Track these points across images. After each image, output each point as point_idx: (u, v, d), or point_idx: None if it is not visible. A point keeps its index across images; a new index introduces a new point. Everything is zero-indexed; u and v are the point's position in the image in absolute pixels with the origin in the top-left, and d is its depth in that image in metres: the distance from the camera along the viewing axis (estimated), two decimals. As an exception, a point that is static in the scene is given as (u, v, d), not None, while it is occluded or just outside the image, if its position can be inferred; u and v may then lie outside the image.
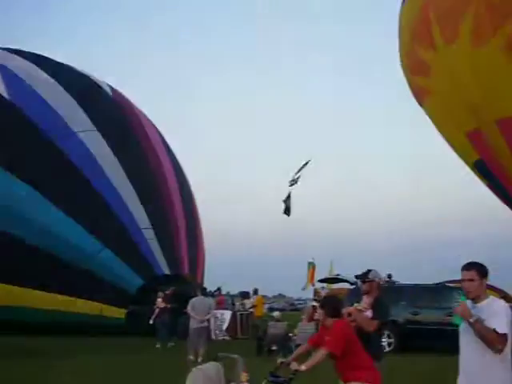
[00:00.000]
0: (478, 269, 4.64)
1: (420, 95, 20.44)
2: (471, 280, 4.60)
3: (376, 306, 6.38)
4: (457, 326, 4.74)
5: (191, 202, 31.88)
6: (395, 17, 20.92)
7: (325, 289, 29.20)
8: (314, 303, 21.17)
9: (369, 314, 6.26)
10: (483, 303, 4.59)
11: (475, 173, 20.23)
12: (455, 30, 17.39)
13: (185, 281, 26.05)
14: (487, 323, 4.40)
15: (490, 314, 4.46)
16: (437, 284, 20.97)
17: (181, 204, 29.62)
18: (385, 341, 15.70)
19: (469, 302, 4.67)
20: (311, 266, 34.91)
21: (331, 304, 5.98)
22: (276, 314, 20.59)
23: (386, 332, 15.61)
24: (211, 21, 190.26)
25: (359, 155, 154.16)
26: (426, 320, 18.03)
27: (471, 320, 4.39)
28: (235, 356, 5.76)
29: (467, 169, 20.42)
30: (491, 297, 4.67)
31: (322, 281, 32.05)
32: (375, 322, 6.19)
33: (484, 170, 19.36)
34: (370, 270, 6.60)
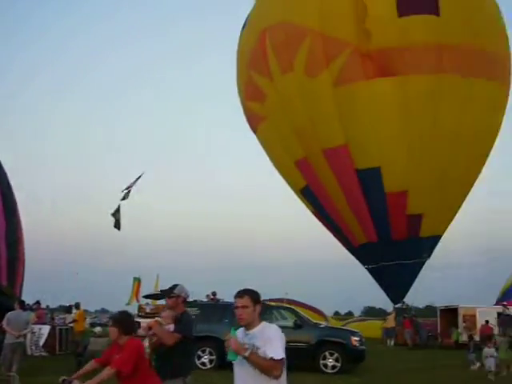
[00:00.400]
0: (250, 295, 4.54)
1: (254, 121, 21.16)
2: (245, 307, 4.47)
3: (180, 321, 6.41)
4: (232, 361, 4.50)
5: (12, 210, 29.89)
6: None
7: (149, 305, 28.84)
8: (138, 319, 20.89)
9: (171, 328, 6.29)
10: (256, 330, 4.44)
11: (302, 199, 21.31)
12: (290, 60, 18.36)
13: (2, 293, 24.23)
14: (263, 350, 4.30)
15: (265, 341, 4.34)
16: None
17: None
18: (206, 357, 15.88)
19: (241, 331, 4.55)
20: (136, 281, 34.40)
21: (125, 321, 5.85)
22: (98, 329, 19.97)
23: (208, 349, 15.83)
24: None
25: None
26: (246, 337, 18.47)
27: (245, 355, 4.28)
28: (12, 373, 5.43)
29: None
30: (264, 322, 4.52)
31: (146, 297, 31.56)
32: (176, 335, 6.22)
33: (310, 196, 20.51)
34: (175, 285, 6.52)
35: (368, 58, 17.47)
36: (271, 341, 4.32)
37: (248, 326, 4.49)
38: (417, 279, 20.65)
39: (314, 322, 18.18)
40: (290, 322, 16.35)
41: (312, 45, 17.84)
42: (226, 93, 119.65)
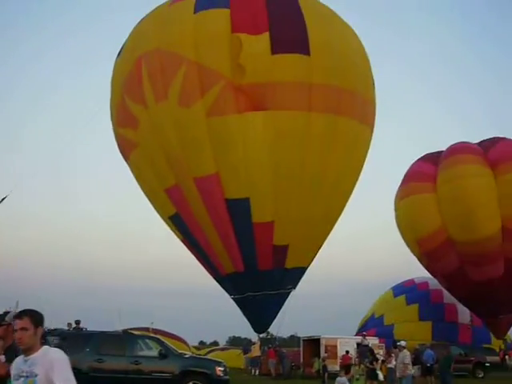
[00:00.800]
0: (31, 317, 4.16)
1: (127, 148, 20.86)
2: (24, 329, 4.07)
3: (10, 351, 6.03)
4: None
5: None
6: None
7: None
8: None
9: (2, 358, 5.93)
10: (36, 355, 4.06)
11: (170, 227, 21.17)
12: (165, 88, 18.42)
13: None
14: (49, 376, 3.94)
15: (48, 367, 3.98)
16: (122, 331, 21.09)
17: None
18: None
19: (21, 357, 4.16)
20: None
21: None
22: None
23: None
24: None
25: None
26: (110, 368, 17.88)
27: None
28: None
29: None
30: (45, 347, 4.15)
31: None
32: (6, 365, 5.89)
33: (180, 224, 20.44)
34: (6, 313, 6.16)
35: (241, 92, 17.95)
36: (56, 366, 4.00)
37: (28, 351, 4.10)
38: (282, 310, 21.03)
39: (180, 351, 18.02)
40: (154, 352, 16.17)
41: (187, 74, 18.07)
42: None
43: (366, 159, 21.31)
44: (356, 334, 32.53)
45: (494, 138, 34.02)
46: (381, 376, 15.88)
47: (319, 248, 20.96)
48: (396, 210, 34.73)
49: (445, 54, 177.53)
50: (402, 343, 17.51)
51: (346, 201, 21.00)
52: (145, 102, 18.87)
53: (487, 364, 29.00)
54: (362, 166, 21.15)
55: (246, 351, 32.81)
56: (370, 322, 37.41)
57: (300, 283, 21.15)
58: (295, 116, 18.15)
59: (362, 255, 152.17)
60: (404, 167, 35.38)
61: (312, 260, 20.99)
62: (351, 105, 19.24)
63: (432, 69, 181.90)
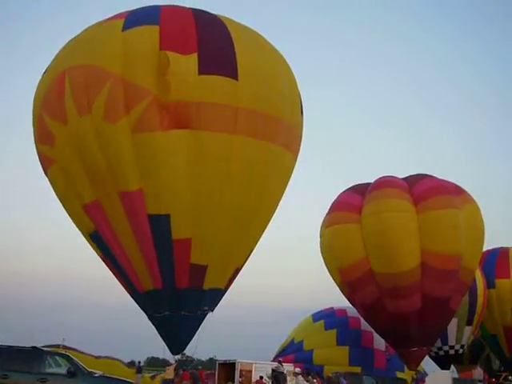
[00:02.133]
0: None
1: (45, 165, 20.60)
2: None
3: None
4: None
5: None
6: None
7: None
8: None
9: None
10: None
11: (91, 244, 20.82)
12: (89, 102, 18.28)
13: None
14: None
15: None
16: (31, 347, 20.34)
17: None
18: None
19: None
20: None
21: None
22: None
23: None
24: None
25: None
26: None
27: None
28: None
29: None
30: None
31: None
32: None
33: (99, 241, 20.11)
34: None
35: (166, 110, 18.02)
36: None
37: None
38: (199, 331, 20.89)
39: (90, 370, 17.52)
40: (63, 370, 15.71)
41: (113, 89, 18.02)
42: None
43: (289, 185, 21.74)
44: (274, 359, 32.63)
45: (420, 174, 35.14)
46: None
47: (238, 270, 21.04)
48: (321, 237, 35.29)
49: (381, 82, 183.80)
50: (297, 369, 17.73)
51: (266, 225, 21.27)
52: (65, 116, 18.65)
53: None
54: (283, 192, 21.50)
55: (138, 370, 32.26)
56: (290, 347, 37.71)
57: (222, 306, 21.15)
58: (219, 137, 18.33)
59: (285, 281, 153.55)
60: (332, 196, 36.13)
61: (231, 282, 20.97)
62: (276, 131, 19.57)
63: (370, 95, 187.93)
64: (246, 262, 21.24)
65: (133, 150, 18.19)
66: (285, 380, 22.48)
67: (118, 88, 17.96)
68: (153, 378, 34.41)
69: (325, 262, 35.20)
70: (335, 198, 35.65)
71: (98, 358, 30.85)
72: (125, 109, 17.99)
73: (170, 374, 28.54)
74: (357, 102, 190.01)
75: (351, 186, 35.82)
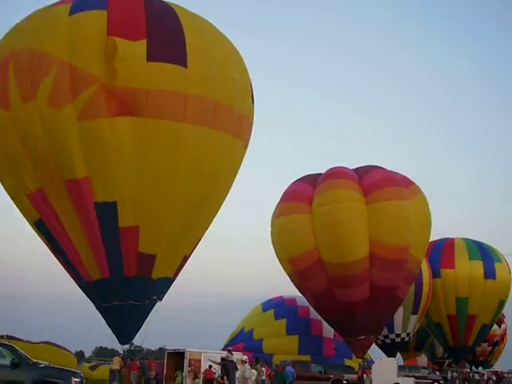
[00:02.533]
0: None
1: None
2: None
3: None
4: None
5: None
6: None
7: None
8: None
9: None
10: None
11: (36, 232, 20.39)
12: (34, 88, 17.89)
13: None
14: None
15: None
16: (-27, 337, 19.88)
17: None
18: None
19: None
20: None
21: None
22: None
23: None
24: None
25: None
26: (-45, 375, 16.67)
27: None
28: None
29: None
30: None
31: None
32: None
33: (44, 229, 19.72)
34: None
35: (113, 96, 17.78)
36: None
37: None
38: (148, 321, 20.74)
39: (34, 361, 17.14)
40: (6, 361, 15.24)
41: (58, 75, 17.69)
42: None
43: (242, 174, 21.71)
44: (223, 349, 32.65)
45: (370, 165, 35.63)
46: None
47: (187, 258, 20.93)
48: (272, 227, 35.46)
49: (336, 74, 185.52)
50: (244, 357, 17.74)
51: (215, 213, 21.22)
52: (8, 103, 18.28)
53: (345, 381, 30.10)
54: (233, 180, 21.47)
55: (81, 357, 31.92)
56: (240, 336, 37.81)
57: (172, 296, 21.04)
58: (167, 125, 18.22)
59: (235, 270, 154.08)
60: (284, 186, 36.28)
61: (179, 271, 20.86)
62: (226, 119, 19.52)
63: (328, 88, 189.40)
64: (194, 249, 21.14)
65: (79, 137, 17.90)
66: (234, 368, 22.57)
67: (63, 74, 17.59)
68: (93, 368, 33.95)
69: (275, 251, 35.41)
70: (287, 187, 35.84)
71: (37, 343, 30.14)
72: (71, 95, 17.64)
73: (116, 364, 28.25)
74: (311, 92, 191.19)
75: (302, 176, 36.07)
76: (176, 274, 20.88)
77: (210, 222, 21.15)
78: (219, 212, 21.36)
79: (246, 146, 21.45)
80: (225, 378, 16.29)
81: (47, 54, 17.77)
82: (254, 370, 22.11)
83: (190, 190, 19.16)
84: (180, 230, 19.59)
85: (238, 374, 17.25)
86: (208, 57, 19.15)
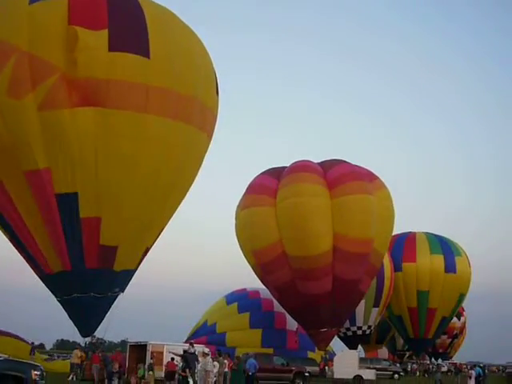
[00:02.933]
0: None
1: None
2: None
3: None
4: None
5: None
6: None
7: None
8: None
9: None
10: None
11: None
12: None
13: None
14: None
15: None
16: None
17: None
18: None
19: None
20: None
21: None
22: None
23: None
24: None
25: None
26: None
27: None
28: None
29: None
30: None
31: None
32: None
33: (3, 222, 19.43)
34: None
35: (74, 86, 17.52)
36: None
37: None
38: (110, 313, 20.57)
39: (-6, 354, 16.85)
40: (-35, 355, 14.96)
41: (18, 64, 17.35)
42: None
43: (208, 166, 21.58)
44: (186, 341, 32.55)
45: (335, 159, 35.85)
46: (191, 383, 15.94)
47: (148, 250, 20.71)
48: (236, 219, 35.47)
49: (304, 64, 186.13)
50: (205, 350, 17.70)
51: (178, 205, 21.10)
52: None
53: (307, 374, 30.36)
54: (197, 172, 21.36)
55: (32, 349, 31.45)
56: (202, 329, 37.76)
57: (134, 288, 20.87)
58: (129, 116, 18.06)
59: (198, 262, 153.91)
60: (249, 178, 36.31)
61: (140, 262, 20.69)
62: (190, 111, 19.38)
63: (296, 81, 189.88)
64: (155, 241, 20.98)
65: (40, 128, 17.61)
66: (195, 361, 22.53)
67: (23, 63, 17.24)
68: (48, 360, 33.46)
69: (239, 243, 35.46)
70: (252, 180, 35.86)
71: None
72: (31, 85, 17.30)
73: (75, 357, 27.91)
74: (277, 86, 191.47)
75: (267, 169, 36.12)
76: (138, 266, 20.71)
77: (172, 214, 21.02)
78: (183, 203, 21.28)
79: (210, 138, 21.32)
80: (187, 370, 16.20)
81: (6, 43, 17.44)
82: (216, 363, 22.13)
83: (152, 182, 19.01)
84: (142, 222, 19.45)
85: (199, 366, 17.12)
86: (171, 47, 18.97)
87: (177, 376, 17.55)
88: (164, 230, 21.26)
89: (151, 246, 20.94)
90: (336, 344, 41.88)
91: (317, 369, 36.32)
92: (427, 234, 47.68)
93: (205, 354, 17.57)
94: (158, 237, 20.98)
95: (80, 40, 17.34)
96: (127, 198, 18.71)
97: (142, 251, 20.45)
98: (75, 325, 20.57)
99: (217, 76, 21.44)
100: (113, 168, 18.26)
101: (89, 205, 18.42)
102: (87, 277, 19.16)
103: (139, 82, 18.01)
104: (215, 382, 22.04)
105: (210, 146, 21.67)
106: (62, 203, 18.32)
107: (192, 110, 19.44)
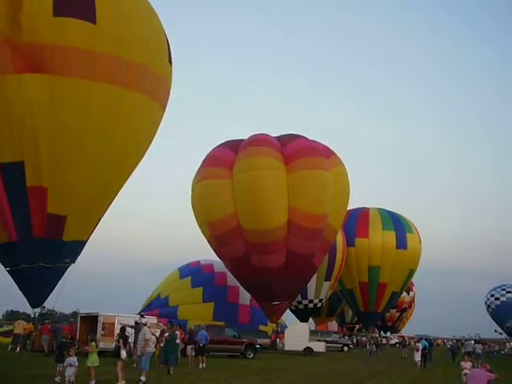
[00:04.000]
0: None
1: None
2: None
3: None
4: None
5: None
6: None
7: None
8: None
9: None
10: None
11: None
12: None
13: None
14: None
15: None
16: None
17: None
18: None
19: None
20: None
21: None
22: None
23: None
24: None
25: None
26: None
27: None
28: None
29: None
30: None
31: None
32: None
33: None
34: None
35: (18, 52, 16.78)
36: None
37: None
38: (61, 284, 20.16)
39: None
40: None
41: None
42: None
43: (163, 136, 21.01)
44: (139, 314, 32.44)
45: (293, 134, 35.88)
46: (123, 354, 15.77)
47: (98, 221, 20.32)
48: (192, 191, 35.31)
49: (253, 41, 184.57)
50: (143, 320, 17.53)
51: (128, 175, 20.59)
52: None
53: (258, 346, 30.69)
54: (149, 142, 20.83)
55: None
56: (156, 302, 37.70)
57: (86, 259, 20.41)
58: (75, 83, 17.34)
59: (152, 234, 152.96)
60: (207, 150, 36.10)
61: (91, 233, 20.27)
62: (139, 78, 18.73)
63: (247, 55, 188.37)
64: (106, 211, 20.50)
65: None
66: (121, 331, 22.53)
67: None
68: None
69: (195, 215, 35.38)
70: (208, 152, 35.62)
71: None
72: None
73: (19, 328, 27.43)
74: (240, 59, 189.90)
75: (225, 141, 35.90)
76: (88, 237, 20.25)
77: (123, 184, 20.50)
78: (136, 174, 20.80)
79: (163, 108, 20.71)
80: (121, 341, 15.99)
81: None
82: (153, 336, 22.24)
83: (101, 151, 18.43)
84: (92, 192, 18.93)
85: (139, 336, 17.05)
86: (119, 13, 18.20)
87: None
88: (117, 201, 20.83)
89: (101, 216, 20.44)
90: (288, 317, 42.51)
91: (268, 341, 36.80)
92: (380, 209, 48.50)
93: (142, 324, 17.44)
94: (107, 207, 20.46)
95: (23, 4, 16.57)
96: (75, 167, 18.13)
97: (92, 222, 20.00)
98: (25, 295, 20.07)
99: (169, 44, 20.73)
100: (59, 136, 17.62)
101: (35, 174, 17.80)
102: (35, 246, 18.62)
103: (85, 48, 17.23)
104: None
105: (165, 116, 21.14)
106: (7, 173, 17.63)
107: (143, 78, 18.80)
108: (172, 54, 20.87)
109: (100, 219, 20.37)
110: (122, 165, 19.81)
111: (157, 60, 19.61)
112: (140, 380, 15.65)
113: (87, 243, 20.35)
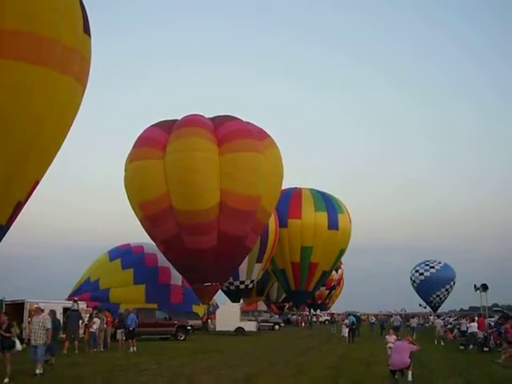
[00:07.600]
0: None
1: None
2: None
3: None
4: None
5: None
6: None
7: None
8: None
9: None
10: None
11: None
12: None
13: None
14: None
15: None
16: None
17: None
18: None
19: None
20: None
21: None
22: None
23: None
24: None
25: None
26: None
27: None
28: None
29: None
30: None
31: None
32: None
33: None
34: None
35: None
36: None
37: None
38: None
39: None
40: None
41: None
42: None
43: (91, 117, 19.99)
44: (69, 298, 31.76)
45: (227, 115, 35.64)
46: (18, 346, 14.20)
47: (21, 205, 19.15)
48: (125, 171, 34.69)
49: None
50: (41, 305, 15.77)
51: (50, 157, 19.48)
52: None
53: (189, 327, 30.69)
54: (69, 122, 19.61)
55: None
56: (85, 285, 36.88)
57: (13, 246, 19.45)
58: None
59: (82, 217, 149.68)
60: (139, 130, 35.42)
61: (13, 218, 19.22)
62: (50, 54, 17.54)
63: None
64: (29, 196, 19.47)
65: None
66: (78, 319, 22.02)
67: None
68: None
69: (127, 195, 34.78)
70: (141, 132, 34.98)
71: None
72: None
73: None
74: (171, 36, 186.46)
75: (158, 121, 35.32)
76: (10, 222, 19.21)
77: (46, 167, 19.43)
78: (66, 157, 19.56)
79: (80, 82, 19.09)
80: (12, 331, 14.38)
81: None
82: (96, 319, 21.89)
83: (13, 132, 17.27)
84: (5, 175, 17.78)
85: (35, 324, 14.87)
86: None
87: None
88: (41, 186, 19.82)
89: (25, 202, 19.37)
90: (220, 297, 42.70)
91: (200, 322, 36.86)
92: (312, 190, 49.11)
93: (39, 310, 15.28)
94: (30, 191, 19.35)
95: None
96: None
97: (11, 206, 18.79)
98: None
99: (87, 15, 19.51)
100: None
101: None
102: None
103: None
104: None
105: (86, 93, 20.00)
106: None
107: (53, 53, 17.59)
108: (90, 24, 19.72)
109: (22, 204, 19.29)
110: (39, 147, 18.51)
111: (69, 32, 18.23)
112: (35, 373, 13.88)
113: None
